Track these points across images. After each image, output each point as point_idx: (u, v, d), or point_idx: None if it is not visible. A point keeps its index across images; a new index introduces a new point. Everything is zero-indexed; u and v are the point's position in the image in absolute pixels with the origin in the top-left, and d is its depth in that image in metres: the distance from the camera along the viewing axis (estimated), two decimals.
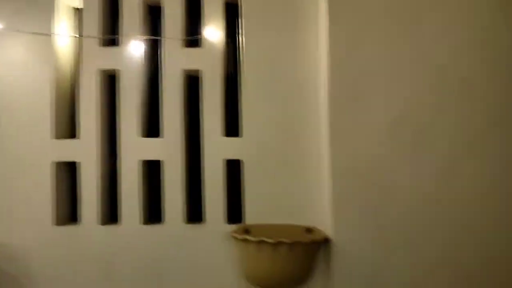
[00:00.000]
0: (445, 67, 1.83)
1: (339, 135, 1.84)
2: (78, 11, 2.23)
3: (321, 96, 1.97)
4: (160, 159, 2.07)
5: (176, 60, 2.08)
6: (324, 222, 1.93)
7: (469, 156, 1.81)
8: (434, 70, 1.83)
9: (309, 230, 1.97)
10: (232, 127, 2.09)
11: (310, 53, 2.03)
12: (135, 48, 2.09)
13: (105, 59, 2.11)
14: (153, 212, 2.13)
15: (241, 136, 2.05)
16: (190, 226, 2.06)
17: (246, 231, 1.96)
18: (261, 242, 1.79)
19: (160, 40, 2.10)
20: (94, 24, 2.11)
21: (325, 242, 1.87)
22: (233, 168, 2.08)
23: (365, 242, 1.82)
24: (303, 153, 2.02)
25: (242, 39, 2.07)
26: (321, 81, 1.96)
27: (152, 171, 2.13)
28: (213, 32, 2.07)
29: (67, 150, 2.10)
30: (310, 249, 1.87)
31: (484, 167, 1.81)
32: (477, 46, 1.83)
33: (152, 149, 2.08)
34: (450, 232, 1.80)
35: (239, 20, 2.10)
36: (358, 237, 1.82)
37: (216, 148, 2.06)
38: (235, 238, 1.89)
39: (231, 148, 2.06)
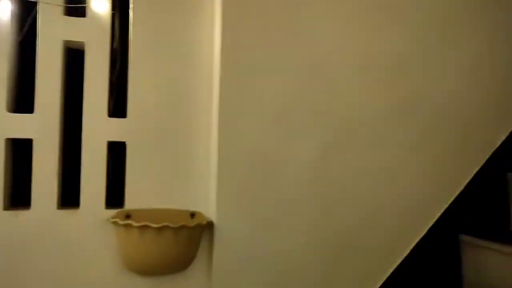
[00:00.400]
0: (331, 58, 1.99)
1: (229, 121, 1.88)
2: None
3: (214, 79, 1.97)
4: (31, 137, 1.85)
5: (55, 28, 1.86)
6: (208, 207, 1.96)
7: (347, 144, 2.01)
8: (319, 62, 1.98)
9: (192, 214, 1.97)
10: (118, 107, 1.97)
11: (205, 33, 2.01)
12: (2, 8, 1.82)
13: None
14: (19, 196, 1.90)
15: (128, 117, 1.94)
16: (63, 211, 1.88)
17: (127, 216, 1.88)
18: (144, 227, 1.73)
19: (36, 3, 1.86)
20: None
21: (209, 226, 1.90)
22: (116, 150, 1.96)
23: (247, 227, 1.90)
24: (191, 137, 2.00)
25: (131, 12, 1.95)
26: (215, 63, 1.96)
27: (21, 150, 1.89)
28: (100, 2, 1.91)
29: None
30: (195, 233, 1.88)
31: (357, 156, 2.03)
32: (356, 42, 2.03)
33: (21, 126, 1.84)
34: (325, 219, 1.98)
35: None
36: (240, 222, 1.89)
37: (99, 128, 1.90)
38: (116, 223, 1.80)
39: (116, 129, 1.93)
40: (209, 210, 1.95)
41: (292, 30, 1.95)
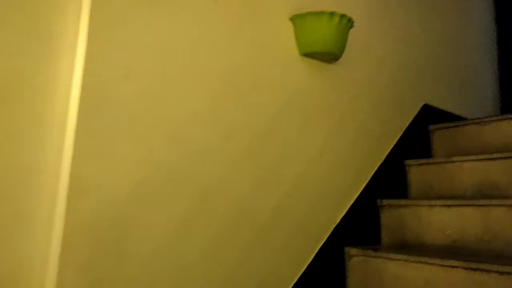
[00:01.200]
0: (196, 124, 1.93)
1: (81, 190, 1.61)
2: None
3: (66, 138, 1.70)
4: None
5: None
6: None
7: (205, 218, 1.93)
8: (183, 126, 1.89)
9: None
10: None
11: (64, 80, 1.72)
12: None
13: None
14: None
15: None
16: None
17: None
18: None
19: None
20: None
21: None
22: None
23: None
24: (29, 205, 1.66)
25: None
26: (72, 116, 1.70)
27: None
28: None
29: None
30: None
31: (216, 231, 1.97)
32: (222, 111, 2.02)
33: None
34: None
35: None
36: None
37: None
38: None
39: None
40: None
41: (158, 88, 1.83)
